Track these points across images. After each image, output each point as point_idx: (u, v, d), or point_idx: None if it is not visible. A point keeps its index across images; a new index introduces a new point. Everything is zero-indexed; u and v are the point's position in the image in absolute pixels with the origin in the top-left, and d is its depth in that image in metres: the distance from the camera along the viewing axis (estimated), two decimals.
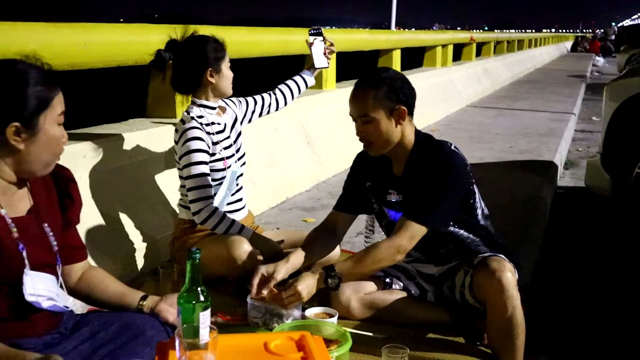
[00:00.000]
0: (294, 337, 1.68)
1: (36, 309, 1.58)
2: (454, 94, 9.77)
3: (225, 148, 2.68)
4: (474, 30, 15.12)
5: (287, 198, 4.36)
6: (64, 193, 1.75)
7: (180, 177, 2.65)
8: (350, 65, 7.37)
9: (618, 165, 4.32)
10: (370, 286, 2.34)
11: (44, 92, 1.55)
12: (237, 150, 2.76)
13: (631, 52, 15.11)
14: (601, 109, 4.65)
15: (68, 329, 1.70)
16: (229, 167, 2.68)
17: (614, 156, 4.36)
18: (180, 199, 2.74)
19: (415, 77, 7.36)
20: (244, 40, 4.40)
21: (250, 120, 2.95)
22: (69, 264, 1.80)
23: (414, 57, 9.87)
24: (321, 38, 3.01)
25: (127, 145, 3.04)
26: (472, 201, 2.23)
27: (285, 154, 4.54)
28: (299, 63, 3.14)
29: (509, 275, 2.02)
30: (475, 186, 2.24)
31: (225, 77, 2.65)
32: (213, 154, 2.63)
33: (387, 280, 2.38)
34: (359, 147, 2.32)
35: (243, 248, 2.47)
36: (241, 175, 2.79)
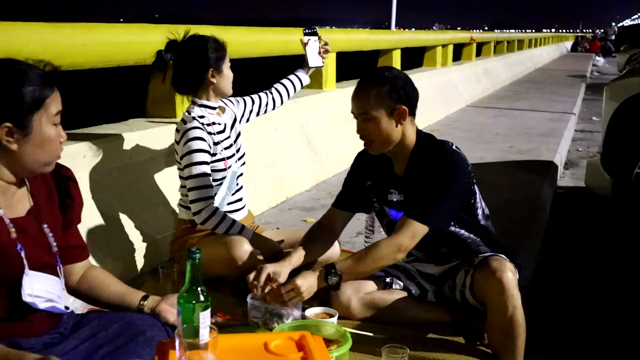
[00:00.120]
0: (294, 337, 1.68)
1: (35, 309, 1.58)
2: (454, 94, 9.77)
3: (225, 148, 2.68)
4: (474, 30, 15.11)
5: (287, 198, 4.36)
6: (64, 193, 1.75)
7: (181, 177, 2.66)
8: (350, 65, 7.37)
9: (618, 165, 4.32)
10: (371, 286, 2.34)
11: (37, 92, 1.53)
12: (237, 150, 2.76)
13: (631, 52, 15.08)
14: (601, 109, 4.64)
15: (68, 329, 1.70)
16: (229, 167, 2.68)
17: (614, 156, 4.36)
18: (181, 199, 2.74)
19: (415, 77, 7.28)
20: (244, 40, 4.40)
21: (248, 120, 2.96)
22: (70, 263, 1.80)
23: (414, 57, 9.87)
24: (316, 38, 3.03)
25: (127, 145, 3.04)
26: (472, 201, 2.23)
27: (285, 154, 4.54)
28: (299, 63, 3.14)
29: (510, 275, 2.02)
30: (476, 186, 2.24)
31: (226, 77, 2.65)
32: (214, 154, 2.63)
33: (388, 280, 2.38)
34: (359, 147, 2.32)
35: (243, 248, 2.47)
36: (241, 175, 2.79)
